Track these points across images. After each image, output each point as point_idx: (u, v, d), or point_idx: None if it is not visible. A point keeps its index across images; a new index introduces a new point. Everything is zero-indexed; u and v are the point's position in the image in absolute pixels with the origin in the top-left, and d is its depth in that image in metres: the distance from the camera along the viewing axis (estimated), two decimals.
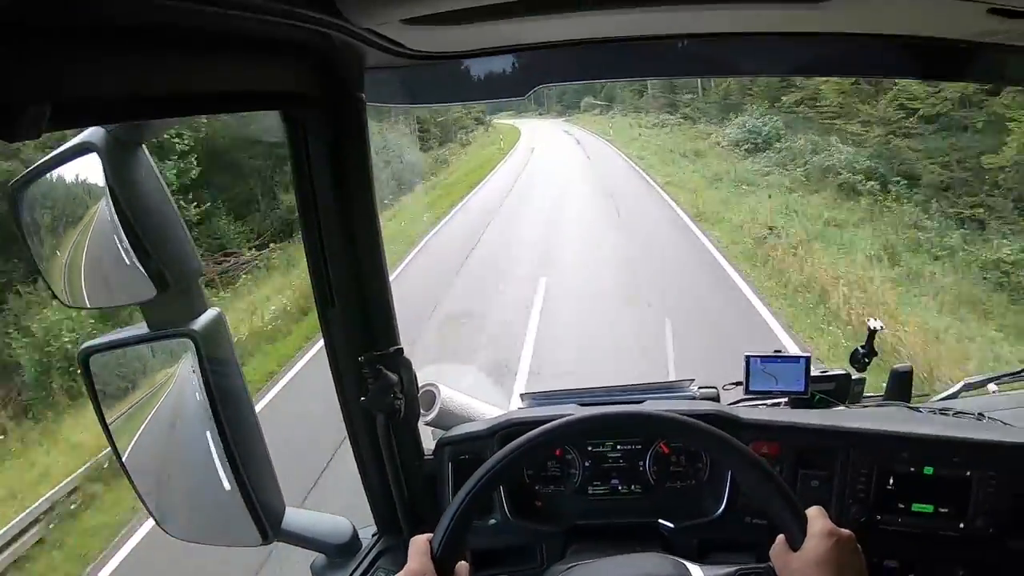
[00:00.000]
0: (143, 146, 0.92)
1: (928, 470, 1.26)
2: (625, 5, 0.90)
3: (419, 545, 0.86)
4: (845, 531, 0.88)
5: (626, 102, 35.47)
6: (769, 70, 1.49)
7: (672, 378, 1.60)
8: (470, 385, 1.63)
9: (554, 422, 0.91)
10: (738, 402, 1.54)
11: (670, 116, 26.45)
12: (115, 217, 0.90)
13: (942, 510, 1.26)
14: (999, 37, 0.98)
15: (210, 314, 0.98)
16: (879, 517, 1.28)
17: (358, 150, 1.06)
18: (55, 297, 0.99)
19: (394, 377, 1.14)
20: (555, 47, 1.14)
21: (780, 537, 0.90)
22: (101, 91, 0.60)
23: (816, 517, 0.89)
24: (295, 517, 1.11)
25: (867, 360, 1.61)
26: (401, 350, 1.17)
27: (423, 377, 1.33)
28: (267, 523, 1.04)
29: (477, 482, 0.87)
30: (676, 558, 1.00)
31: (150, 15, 0.61)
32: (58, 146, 0.91)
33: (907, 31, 1.04)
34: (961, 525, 1.25)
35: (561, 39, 1.13)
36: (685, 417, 0.93)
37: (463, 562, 0.87)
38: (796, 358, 1.46)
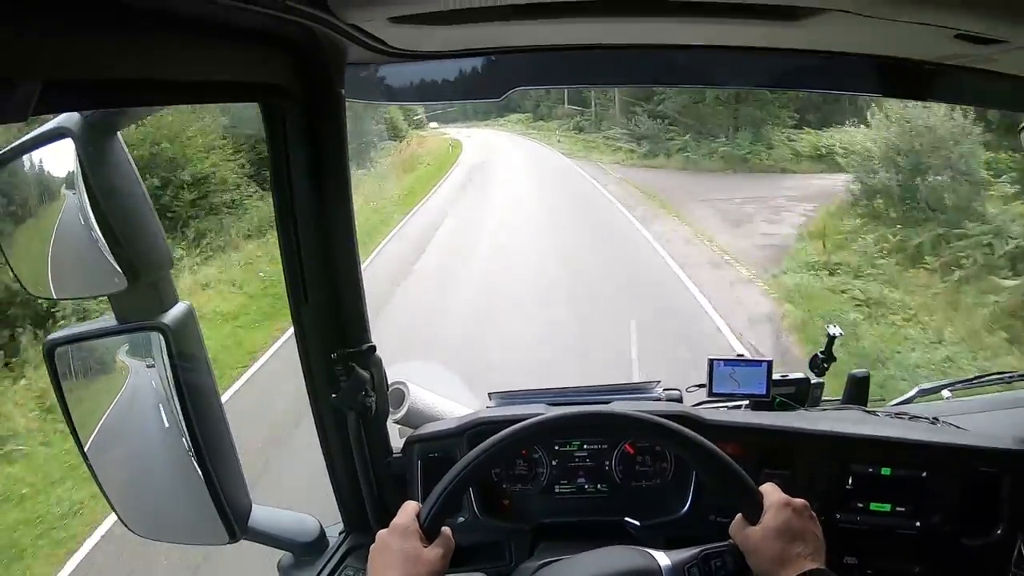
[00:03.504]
0: (118, 133, 0.90)
1: (885, 471, 1.31)
2: (608, 14, 0.91)
3: (409, 508, 0.92)
4: (798, 500, 0.94)
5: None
6: (743, 82, 1.53)
7: (636, 380, 1.62)
8: (437, 382, 1.61)
9: (559, 413, 0.99)
10: (701, 404, 1.57)
11: None
12: (86, 205, 0.87)
13: (899, 509, 1.31)
14: (962, 60, 1.02)
15: (180, 307, 0.96)
16: (839, 516, 1.32)
17: (336, 145, 1.04)
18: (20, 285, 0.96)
19: (366, 375, 1.13)
20: (535, 51, 1.14)
21: (739, 515, 0.94)
22: (87, 73, 0.58)
23: (770, 491, 0.95)
24: (261, 515, 1.10)
25: (826, 365, 1.66)
26: (374, 348, 1.17)
27: (391, 375, 1.32)
28: (234, 521, 1.03)
29: (470, 462, 0.93)
30: (641, 548, 1.03)
31: None
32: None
33: (878, 51, 1.08)
34: (918, 523, 1.30)
35: (541, 44, 1.13)
36: (638, 413, 0.97)
37: (446, 527, 0.93)
38: (758, 362, 1.50)
